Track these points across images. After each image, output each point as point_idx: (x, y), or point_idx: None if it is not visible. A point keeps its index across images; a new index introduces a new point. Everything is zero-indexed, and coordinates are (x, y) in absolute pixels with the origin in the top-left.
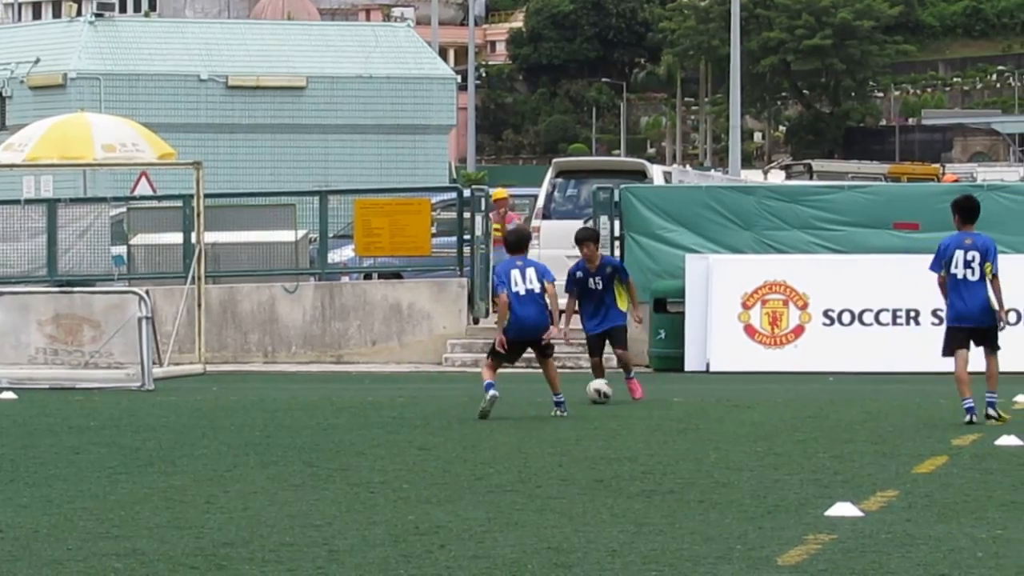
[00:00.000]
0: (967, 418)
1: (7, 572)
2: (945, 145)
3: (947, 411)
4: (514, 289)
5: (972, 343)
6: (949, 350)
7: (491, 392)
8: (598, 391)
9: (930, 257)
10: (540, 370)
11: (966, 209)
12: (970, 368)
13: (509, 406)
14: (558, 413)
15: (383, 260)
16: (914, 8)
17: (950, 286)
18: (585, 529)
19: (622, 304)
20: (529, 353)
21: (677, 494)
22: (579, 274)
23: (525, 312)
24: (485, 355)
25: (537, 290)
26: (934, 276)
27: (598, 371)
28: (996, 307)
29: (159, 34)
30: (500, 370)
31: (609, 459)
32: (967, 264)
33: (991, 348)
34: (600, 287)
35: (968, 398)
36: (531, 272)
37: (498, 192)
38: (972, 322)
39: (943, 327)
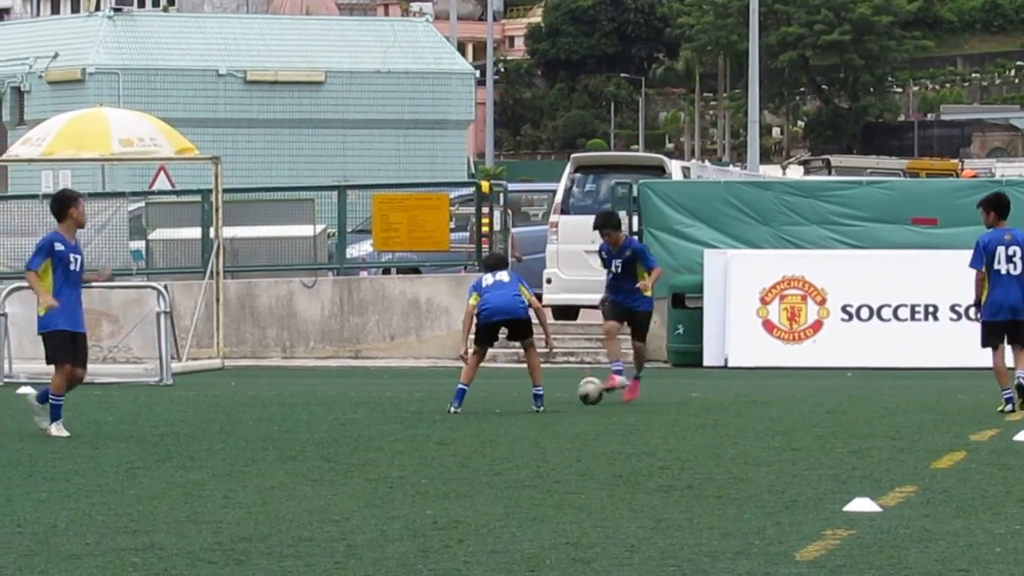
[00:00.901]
0: (1007, 407)
1: (26, 567)
2: (964, 141)
3: (965, 406)
4: (484, 284)
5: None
6: (990, 342)
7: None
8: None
9: (948, 252)
10: (527, 363)
11: (1001, 206)
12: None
13: (526, 401)
14: (535, 408)
15: (401, 255)
16: (933, 3)
17: (992, 281)
18: (603, 524)
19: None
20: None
21: (695, 489)
22: (603, 253)
23: (495, 295)
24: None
25: (506, 280)
26: (951, 270)
27: (611, 340)
28: None
29: (177, 29)
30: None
31: (627, 454)
32: (1009, 259)
33: (1023, 342)
34: (620, 271)
35: (1008, 388)
36: (502, 274)
37: (484, 186)
38: (1011, 315)
39: (961, 322)
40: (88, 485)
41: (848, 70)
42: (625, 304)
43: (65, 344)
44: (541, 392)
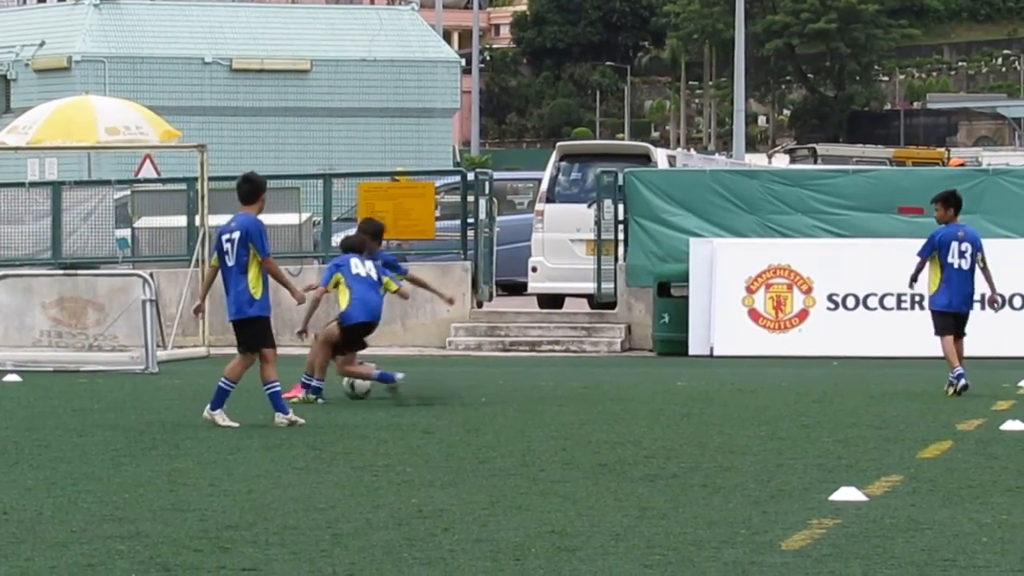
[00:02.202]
0: (961, 383)
1: (11, 554)
2: (950, 129)
3: (951, 396)
4: (354, 271)
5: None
6: (943, 331)
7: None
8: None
9: None
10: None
11: (957, 202)
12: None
13: (512, 390)
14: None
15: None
16: None
17: (945, 274)
18: (589, 513)
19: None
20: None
21: (681, 478)
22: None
23: (368, 295)
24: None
25: (375, 277)
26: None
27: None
28: (990, 291)
29: (163, 17)
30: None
31: (613, 443)
32: (961, 254)
33: (963, 332)
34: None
35: (960, 367)
36: (370, 264)
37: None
38: (959, 307)
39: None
40: (74, 473)
41: (834, 58)
42: None
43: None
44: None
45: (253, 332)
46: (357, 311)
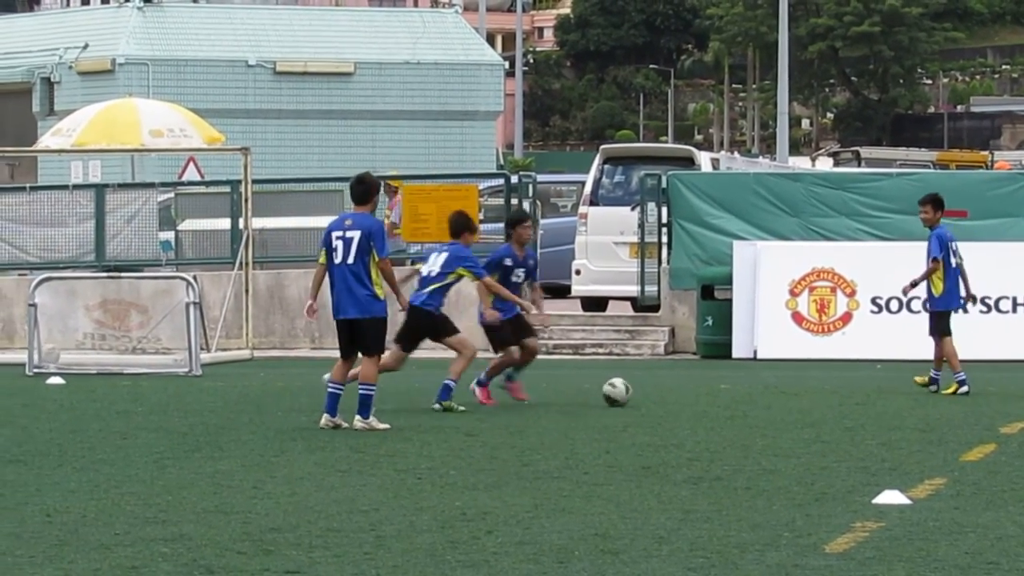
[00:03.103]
0: (964, 389)
1: (55, 556)
2: (994, 132)
3: (995, 398)
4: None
5: None
6: (947, 329)
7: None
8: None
9: (978, 245)
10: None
11: (943, 204)
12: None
13: (555, 393)
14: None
15: (430, 246)
16: None
17: (949, 275)
18: (632, 516)
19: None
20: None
21: (724, 481)
22: (507, 262)
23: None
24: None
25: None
26: (981, 262)
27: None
28: (968, 291)
29: (207, 20)
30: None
31: (656, 446)
32: (954, 253)
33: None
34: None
35: (961, 371)
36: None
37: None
38: (959, 307)
39: (991, 315)
40: (117, 475)
41: (878, 61)
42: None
43: None
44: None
45: (379, 332)
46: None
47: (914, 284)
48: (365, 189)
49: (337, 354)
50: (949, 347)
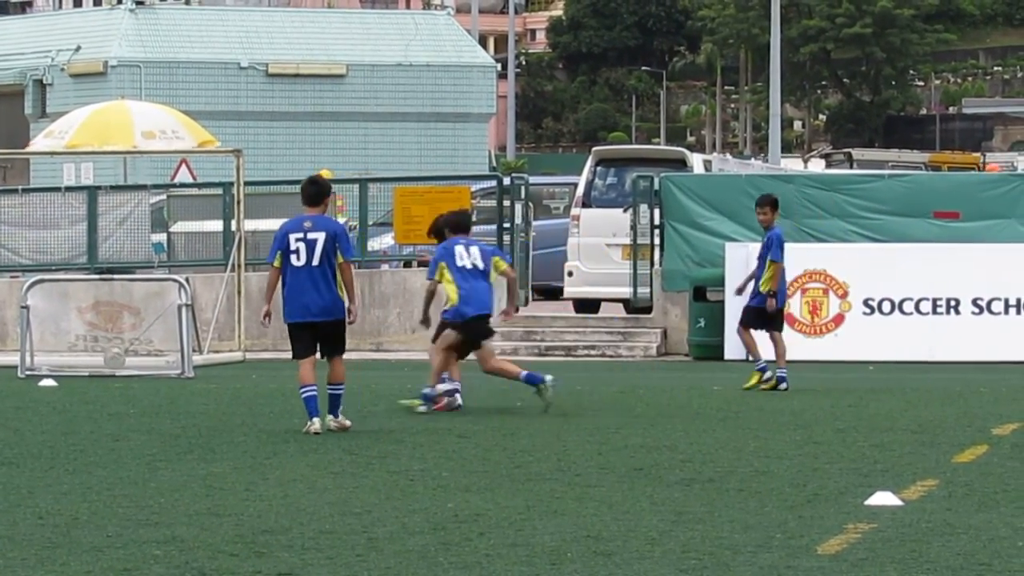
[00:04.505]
0: (769, 375)
1: (47, 559)
2: (986, 134)
3: (987, 400)
4: (459, 263)
5: None
6: (781, 326)
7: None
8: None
9: (970, 246)
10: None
11: (778, 203)
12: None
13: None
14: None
15: (423, 248)
16: None
17: (782, 274)
18: (624, 517)
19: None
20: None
21: (716, 483)
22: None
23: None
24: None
25: (481, 267)
26: (973, 264)
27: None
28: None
29: (199, 22)
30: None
31: (648, 447)
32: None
33: None
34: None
35: (762, 359)
36: (474, 250)
37: (324, 172)
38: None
39: (983, 316)
40: (110, 477)
41: (870, 63)
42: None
43: None
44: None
45: (344, 332)
46: (467, 306)
47: (743, 287)
48: (318, 191)
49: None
50: (752, 338)
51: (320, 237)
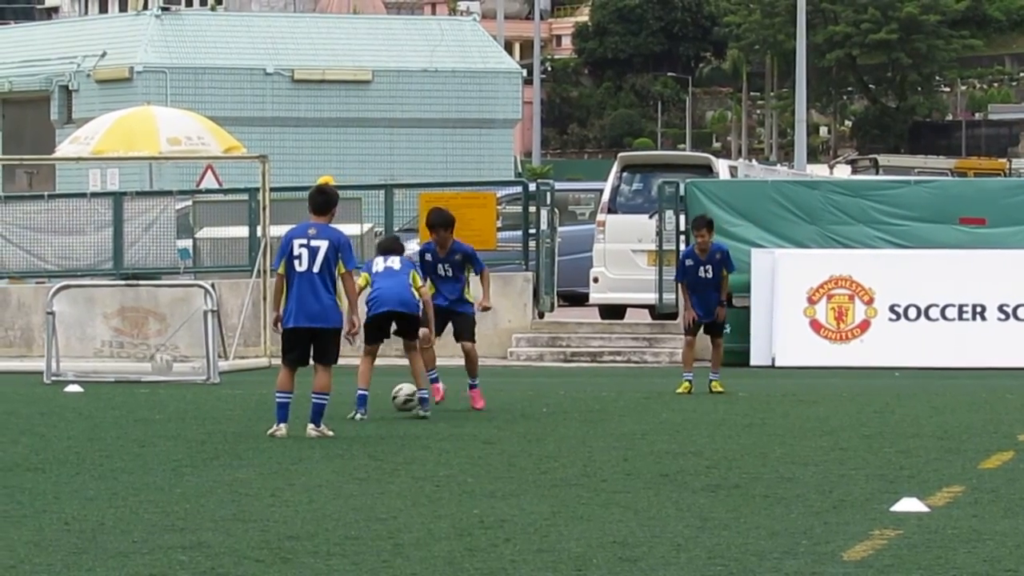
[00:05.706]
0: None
1: (73, 564)
2: (1012, 140)
3: (1013, 406)
4: (375, 268)
5: None
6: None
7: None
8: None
9: (996, 252)
10: (410, 366)
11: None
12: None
13: (573, 400)
14: (422, 413)
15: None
16: (981, 2)
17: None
18: (650, 523)
19: (468, 294)
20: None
21: (742, 489)
22: (428, 256)
23: (387, 283)
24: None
25: (397, 267)
26: (999, 270)
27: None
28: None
29: (225, 28)
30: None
31: (674, 453)
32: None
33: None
34: (450, 273)
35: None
36: (394, 259)
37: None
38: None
39: (1009, 322)
40: (135, 483)
41: (895, 69)
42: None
43: None
44: (426, 395)
45: (337, 342)
46: (376, 303)
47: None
48: (326, 200)
49: (353, 362)
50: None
51: (323, 245)
